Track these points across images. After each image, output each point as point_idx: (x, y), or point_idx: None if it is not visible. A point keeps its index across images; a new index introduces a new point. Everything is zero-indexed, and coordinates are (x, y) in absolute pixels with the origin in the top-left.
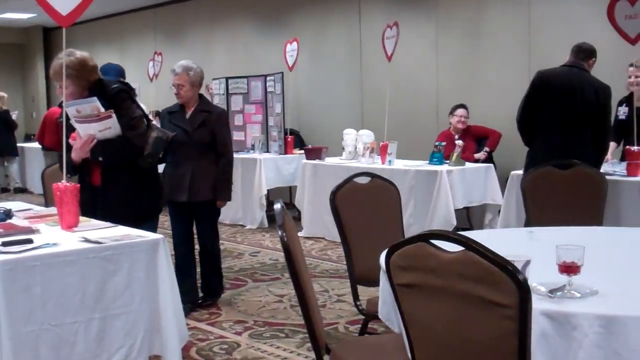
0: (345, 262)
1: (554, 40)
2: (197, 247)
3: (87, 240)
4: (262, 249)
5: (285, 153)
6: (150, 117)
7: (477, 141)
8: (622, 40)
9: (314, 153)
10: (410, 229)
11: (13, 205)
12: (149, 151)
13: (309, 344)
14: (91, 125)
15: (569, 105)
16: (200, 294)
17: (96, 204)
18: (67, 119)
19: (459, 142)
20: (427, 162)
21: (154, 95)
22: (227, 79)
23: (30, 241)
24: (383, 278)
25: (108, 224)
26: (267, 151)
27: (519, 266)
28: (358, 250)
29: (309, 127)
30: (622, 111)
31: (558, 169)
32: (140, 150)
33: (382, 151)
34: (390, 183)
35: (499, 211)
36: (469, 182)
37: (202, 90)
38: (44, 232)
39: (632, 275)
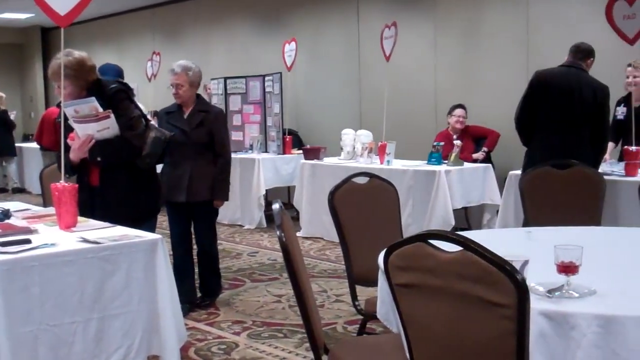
0: (343, 262)
1: (552, 40)
2: (195, 247)
3: (85, 241)
4: (260, 249)
5: (284, 153)
6: (149, 117)
7: (476, 141)
8: (621, 40)
9: (312, 153)
10: (409, 229)
11: (11, 205)
12: (148, 151)
13: (308, 344)
14: (89, 126)
15: (567, 105)
16: (199, 294)
17: (94, 204)
18: (66, 119)
19: (457, 142)
20: (426, 162)
21: (152, 95)
22: (225, 79)
23: (28, 241)
24: (381, 278)
25: (106, 224)
26: (266, 151)
27: (518, 266)
28: (356, 250)
29: (308, 127)
30: (621, 111)
31: (556, 169)
32: (138, 151)
33: (381, 151)
34: (389, 183)
35: (497, 211)
36: (467, 182)
37: (200, 91)
38: (42, 232)
39: (630, 275)
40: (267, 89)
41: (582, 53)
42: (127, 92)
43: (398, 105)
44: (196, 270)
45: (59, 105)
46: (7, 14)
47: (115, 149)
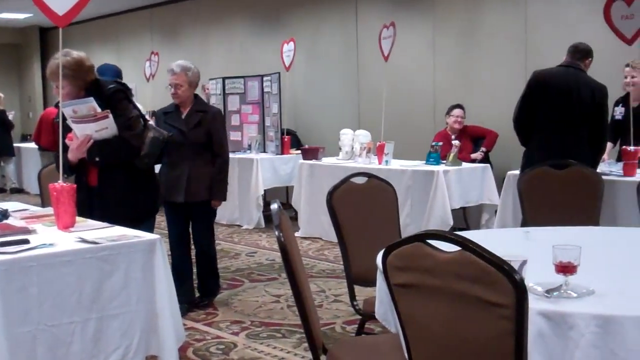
0: (342, 262)
1: (550, 40)
2: (193, 247)
3: (83, 241)
4: (258, 249)
5: (282, 153)
6: (147, 117)
7: (474, 141)
8: (619, 41)
9: (310, 153)
10: (407, 229)
11: (9, 205)
12: (146, 151)
13: (306, 344)
14: (88, 126)
15: (565, 105)
16: (197, 295)
17: (93, 204)
18: (64, 119)
19: (456, 142)
20: (424, 162)
21: (150, 96)
22: (223, 79)
23: (26, 241)
24: (380, 278)
25: (105, 224)
26: (264, 151)
27: (516, 266)
28: (355, 250)
29: (306, 127)
30: (619, 111)
31: (554, 169)
32: (137, 151)
33: (379, 151)
34: (387, 183)
35: (496, 211)
36: (465, 182)
37: (199, 91)
38: (41, 233)
39: (628, 275)
40: (266, 89)
41: (580, 53)
42: (125, 92)
43: (396, 105)
44: (194, 270)
45: (57, 106)
46: (5, 14)
47: (113, 149)
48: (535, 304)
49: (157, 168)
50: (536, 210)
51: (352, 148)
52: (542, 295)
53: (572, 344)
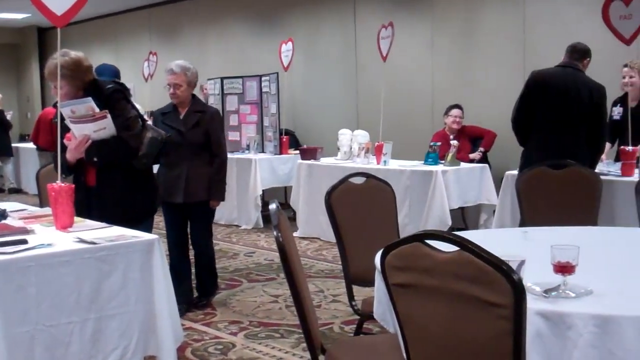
0: (340, 262)
1: (549, 40)
2: (191, 247)
3: (82, 241)
4: (257, 249)
5: (281, 153)
6: (146, 117)
7: (472, 141)
8: (617, 41)
9: (309, 153)
10: (406, 229)
11: (7, 205)
12: (144, 151)
13: (304, 344)
14: (86, 126)
15: (563, 106)
16: (195, 295)
17: (91, 204)
18: (62, 119)
19: (454, 143)
20: (422, 162)
21: (149, 96)
22: (222, 79)
23: (24, 241)
24: (378, 278)
25: (103, 224)
26: (263, 151)
27: (514, 266)
28: (353, 250)
29: (304, 128)
30: (617, 111)
31: (552, 169)
32: (135, 151)
33: (377, 151)
34: (386, 183)
35: (494, 211)
36: (464, 182)
37: (197, 91)
38: (39, 233)
39: (626, 275)
40: (264, 89)
41: (579, 53)
42: (123, 93)
43: (395, 106)
44: (193, 270)
45: (55, 106)
46: (3, 14)
47: (111, 149)
48: (533, 304)
49: (155, 168)
50: (534, 210)
51: (351, 148)
52: (541, 295)
53: (571, 344)
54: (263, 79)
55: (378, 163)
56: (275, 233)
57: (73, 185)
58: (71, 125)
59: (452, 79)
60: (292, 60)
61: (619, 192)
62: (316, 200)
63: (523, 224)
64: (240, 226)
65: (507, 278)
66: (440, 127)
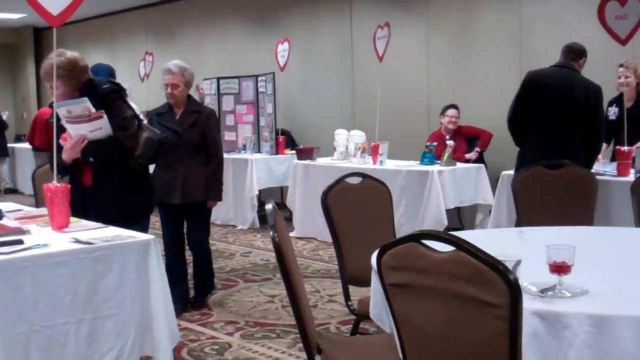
0: (336, 263)
1: (545, 40)
2: (187, 247)
3: (77, 241)
4: (253, 250)
5: (277, 153)
6: (142, 117)
7: (468, 141)
8: (612, 41)
9: (305, 153)
10: (402, 229)
11: (3, 206)
12: (140, 152)
13: (301, 344)
14: (82, 126)
15: (559, 106)
16: (192, 294)
17: (87, 204)
18: (58, 119)
19: (450, 143)
20: (419, 162)
21: (145, 96)
22: (218, 79)
23: (20, 242)
24: (374, 278)
25: (99, 224)
26: (259, 151)
27: (510, 266)
28: (349, 250)
29: (301, 128)
30: (612, 111)
31: (548, 169)
32: (131, 151)
33: (374, 151)
34: (382, 183)
35: (490, 211)
36: (460, 182)
37: (193, 91)
38: (35, 233)
39: (622, 275)
40: (260, 89)
41: (574, 53)
42: (119, 93)
43: (391, 106)
44: (189, 271)
45: (51, 106)
46: None
47: (107, 150)
48: (529, 304)
49: (151, 168)
50: (530, 210)
51: (347, 148)
52: (537, 295)
53: (566, 344)
54: (259, 79)
55: (374, 163)
56: (271, 233)
57: (69, 186)
58: (67, 126)
59: (448, 79)
60: (288, 60)
61: (615, 192)
62: (312, 200)
63: (519, 224)
64: (236, 226)
65: (503, 278)
66: (436, 127)
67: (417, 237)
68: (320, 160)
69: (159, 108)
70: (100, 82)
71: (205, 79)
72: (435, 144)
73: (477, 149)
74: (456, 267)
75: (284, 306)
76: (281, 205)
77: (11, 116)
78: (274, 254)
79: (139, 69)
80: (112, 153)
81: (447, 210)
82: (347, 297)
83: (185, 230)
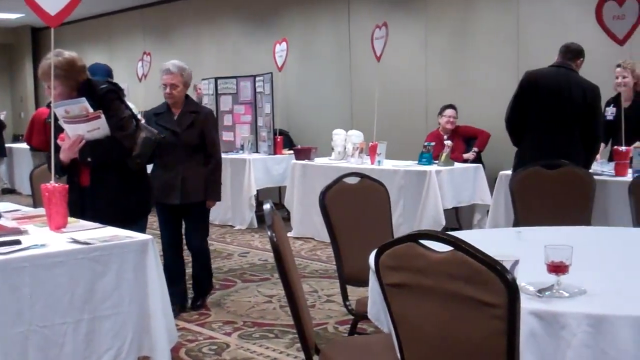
0: (334, 263)
1: (542, 40)
2: (185, 248)
3: (75, 241)
4: (251, 250)
5: (275, 153)
6: (139, 117)
7: (466, 141)
8: (610, 41)
9: (303, 153)
10: (400, 229)
11: (1, 206)
12: (138, 152)
13: (299, 345)
14: (80, 126)
15: (556, 106)
16: (192, 294)
17: (85, 204)
18: (56, 119)
19: (448, 143)
20: (416, 162)
21: (142, 96)
22: (216, 79)
23: (18, 242)
24: (372, 278)
25: (97, 224)
26: (257, 151)
27: (508, 266)
28: (347, 250)
29: (298, 128)
30: (610, 111)
31: (546, 169)
32: (129, 151)
33: (372, 151)
34: (380, 183)
35: (488, 211)
36: (457, 182)
37: (190, 91)
38: (33, 233)
39: (620, 275)
40: (258, 89)
41: (572, 53)
42: (117, 93)
43: (389, 106)
44: (187, 271)
45: (49, 106)
46: None
47: (105, 150)
48: (527, 304)
49: (149, 168)
50: (528, 210)
51: (345, 148)
52: (534, 295)
53: (564, 344)
54: (257, 79)
55: (372, 163)
56: (269, 233)
57: (67, 186)
58: (65, 126)
59: (446, 79)
60: (286, 60)
61: (613, 192)
62: (310, 200)
63: (517, 223)
64: (234, 226)
65: (500, 278)
66: (434, 127)
67: (414, 237)
68: (318, 160)
69: (156, 108)
70: (98, 82)
71: (203, 79)
72: (433, 144)
73: (475, 149)
74: (454, 267)
75: (282, 306)
76: (279, 206)
77: (9, 116)
78: (271, 254)
79: (137, 69)
80: (110, 153)
81: (445, 210)
82: (345, 297)
83: (183, 231)
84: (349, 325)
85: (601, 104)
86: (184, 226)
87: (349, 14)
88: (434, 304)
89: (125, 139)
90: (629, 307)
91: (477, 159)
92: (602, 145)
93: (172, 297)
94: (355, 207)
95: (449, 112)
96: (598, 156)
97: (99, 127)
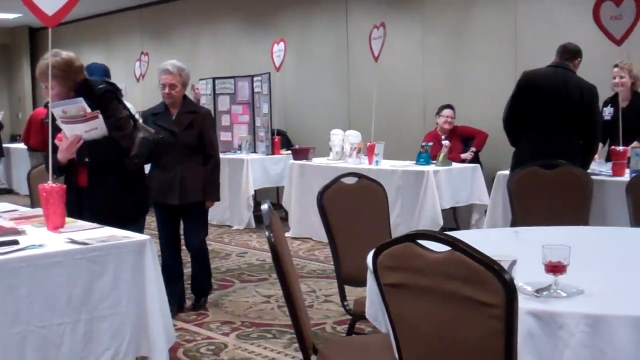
0: (332, 263)
1: (540, 40)
2: (183, 248)
3: (73, 242)
4: (249, 250)
5: (273, 153)
6: (137, 117)
7: (464, 141)
8: (608, 41)
9: (301, 153)
10: (398, 229)
11: None
12: (136, 152)
13: (297, 345)
14: (77, 126)
15: (554, 106)
16: (187, 295)
17: (82, 204)
18: (53, 119)
19: (446, 143)
20: (414, 162)
21: (140, 96)
22: (214, 79)
23: (16, 242)
24: (370, 278)
25: (94, 225)
26: (255, 152)
27: (506, 266)
28: (345, 250)
29: (296, 128)
30: (608, 111)
31: (544, 169)
32: (126, 151)
33: (369, 151)
34: (378, 183)
35: (486, 211)
36: (455, 182)
37: (188, 91)
38: (30, 233)
39: (618, 275)
40: (256, 90)
41: (569, 53)
42: (115, 93)
43: (387, 106)
44: (185, 271)
45: (46, 106)
46: None
47: (103, 150)
48: (525, 304)
49: (147, 169)
50: (526, 210)
51: (343, 148)
52: (532, 294)
53: (562, 344)
54: (255, 79)
55: (370, 163)
56: (267, 233)
57: (64, 186)
58: (62, 126)
59: (443, 79)
60: (284, 60)
61: (610, 192)
62: (308, 200)
63: (514, 223)
64: (232, 226)
65: (498, 278)
66: (432, 127)
67: (412, 237)
68: (316, 161)
69: (154, 108)
70: (95, 82)
71: (201, 79)
72: (430, 144)
73: (473, 149)
74: (452, 267)
75: (280, 306)
76: (277, 206)
77: (6, 116)
78: (269, 254)
79: (135, 69)
80: (108, 153)
81: (443, 210)
82: (342, 297)
83: (182, 231)
84: (346, 325)
85: (599, 104)
86: (182, 226)
87: (347, 14)
88: (432, 304)
89: (123, 139)
90: (627, 307)
91: (475, 159)
92: (600, 145)
93: (170, 297)
94: (353, 207)
95: (446, 112)
96: (596, 156)
97: (96, 127)
